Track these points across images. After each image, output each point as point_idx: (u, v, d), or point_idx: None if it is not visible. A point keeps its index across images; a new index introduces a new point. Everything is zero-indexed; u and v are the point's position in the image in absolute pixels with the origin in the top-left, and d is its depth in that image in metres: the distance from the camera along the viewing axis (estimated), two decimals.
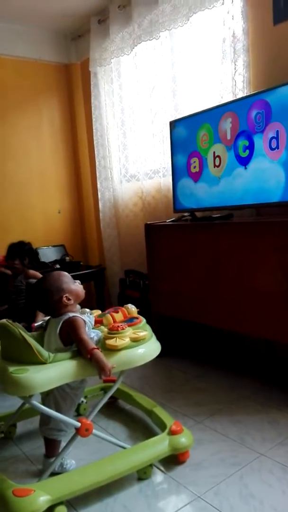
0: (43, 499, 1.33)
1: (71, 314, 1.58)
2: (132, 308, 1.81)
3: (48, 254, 3.64)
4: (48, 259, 3.54)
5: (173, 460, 1.63)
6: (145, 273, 3.00)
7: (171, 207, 2.77)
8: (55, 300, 1.59)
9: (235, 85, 2.49)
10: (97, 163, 3.56)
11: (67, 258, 3.59)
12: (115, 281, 3.52)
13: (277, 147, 2.04)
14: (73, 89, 3.83)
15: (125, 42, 3.12)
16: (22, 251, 2.72)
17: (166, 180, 2.96)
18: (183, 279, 2.50)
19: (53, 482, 1.42)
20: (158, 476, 1.57)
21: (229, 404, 2.05)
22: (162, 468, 1.61)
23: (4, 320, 1.52)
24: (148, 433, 1.84)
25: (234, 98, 2.41)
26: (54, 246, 3.74)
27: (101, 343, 1.55)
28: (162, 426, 1.73)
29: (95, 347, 1.48)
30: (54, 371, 1.41)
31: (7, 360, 1.50)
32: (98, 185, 3.58)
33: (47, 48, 3.70)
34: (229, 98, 2.48)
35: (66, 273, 1.68)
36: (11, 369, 1.39)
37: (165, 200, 3.00)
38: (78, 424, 1.47)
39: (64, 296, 1.59)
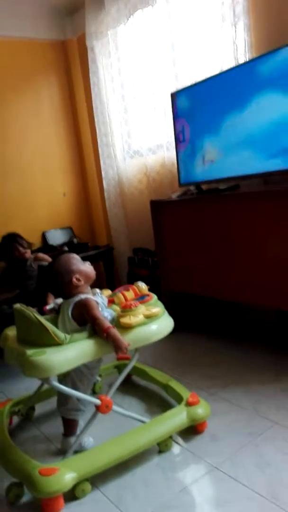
0: (69, 477, 1.35)
1: (82, 296, 1.59)
2: (142, 286, 1.82)
3: (56, 237, 3.63)
4: (56, 242, 3.54)
5: (189, 432, 1.65)
6: (153, 251, 2.98)
7: (176, 181, 2.72)
8: (66, 282, 1.60)
9: (237, 49, 2.39)
10: (99, 141, 3.50)
11: (75, 240, 3.59)
12: (123, 260, 3.51)
13: None
14: (71, 66, 3.74)
15: (121, 12, 3.02)
16: (15, 239, 2.73)
17: (170, 154, 2.90)
18: (192, 254, 2.48)
19: (78, 460, 1.45)
20: (174, 449, 1.59)
21: (243, 375, 2.05)
22: (178, 440, 1.63)
23: (18, 305, 1.53)
24: (164, 406, 1.86)
25: (236, 64, 2.33)
26: (61, 228, 3.73)
27: (115, 321, 1.56)
28: (179, 398, 1.75)
29: (111, 325, 1.49)
30: (72, 352, 1.43)
31: (23, 343, 1.51)
32: (102, 164, 3.53)
33: (42, 25, 3.59)
34: (230, 64, 2.39)
35: (75, 255, 1.69)
36: (29, 352, 1.40)
37: (169, 175, 2.94)
38: (98, 402, 1.49)
39: (74, 277, 1.60)
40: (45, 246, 3.45)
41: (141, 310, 1.59)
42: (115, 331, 1.47)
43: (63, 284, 1.61)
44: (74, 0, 3.46)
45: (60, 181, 3.80)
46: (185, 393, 1.74)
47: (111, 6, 3.07)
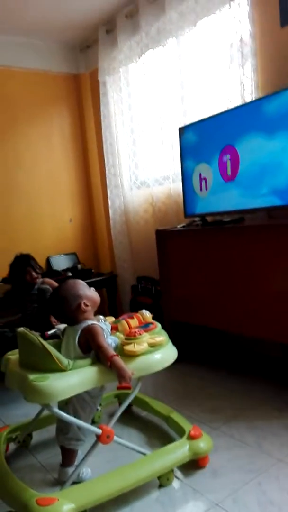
0: (67, 508, 1.32)
1: (89, 322, 1.58)
2: (146, 314, 1.82)
3: (60, 262, 3.66)
4: (60, 267, 3.56)
5: (189, 467, 1.61)
6: (157, 279, 2.99)
7: (182, 212, 2.76)
8: (74, 307, 1.60)
9: (244, 89, 2.48)
10: (107, 171, 3.58)
11: (79, 266, 3.61)
12: (126, 288, 3.52)
13: None
14: (82, 99, 3.88)
15: (133, 50, 3.15)
16: (30, 262, 2.73)
17: (176, 185, 2.96)
18: (196, 284, 2.49)
19: (77, 491, 1.41)
20: (174, 484, 1.55)
21: (246, 410, 2.02)
22: (178, 475, 1.59)
23: (22, 328, 1.53)
24: (164, 439, 1.82)
25: (243, 102, 2.41)
26: (66, 254, 3.76)
27: (119, 349, 1.56)
28: (180, 431, 1.72)
29: (115, 354, 1.48)
30: (75, 378, 1.41)
31: (25, 368, 1.50)
32: (109, 193, 3.60)
33: (56, 59, 3.75)
34: (237, 102, 2.48)
35: (80, 280, 1.69)
36: (32, 377, 1.39)
37: (175, 206, 2.99)
38: (99, 431, 1.46)
39: (82, 302, 1.60)
40: (49, 271, 3.47)
41: (146, 339, 1.58)
42: (119, 360, 1.46)
43: (70, 309, 1.60)
44: (88, 37, 3.62)
45: (67, 207, 3.86)
46: (187, 426, 1.71)
47: (123, 44, 3.20)
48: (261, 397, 2.13)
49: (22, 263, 2.73)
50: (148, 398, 2.05)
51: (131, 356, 1.51)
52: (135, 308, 3.15)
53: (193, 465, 1.61)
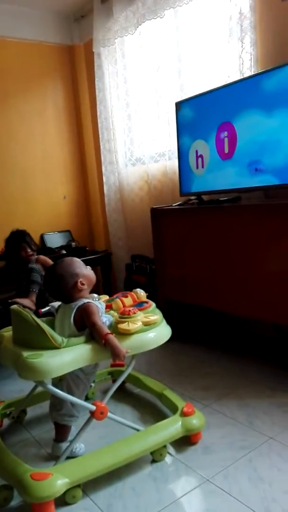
0: (61, 482, 1.34)
1: (85, 300, 1.58)
2: (141, 293, 1.81)
3: (54, 240, 3.63)
4: (54, 245, 3.53)
5: (182, 443, 1.64)
6: (151, 258, 2.98)
7: (177, 190, 2.73)
8: (70, 286, 1.59)
9: (242, 63, 2.42)
10: (101, 147, 3.51)
11: (73, 244, 3.58)
12: (121, 266, 3.51)
13: None
14: (76, 72, 3.76)
15: (129, 21, 3.04)
16: (25, 238, 2.70)
17: (171, 163, 2.92)
18: (191, 263, 2.48)
19: (70, 466, 1.43)
20: (167, 460, 1.58)
21: (238, 388, 2.05)
22: (171, 451, 1.62)
23: (15, 306, 1.52)
24: (157, 416, 1.85)
25: (241, 77, 2.35)
26: (60, 231, 3.73)
27: (113, 327, 1.55)
28: (173, 408, 1.74)
29: (109, 332, 1.48)
30: (69, 356, 1.42)
31: (19, 345, 1.50)
32: (103, 169, 3.54)
33: (50, 30, 3.62)
34: (236, 77, 2.41)
35: (77, 259, 1.68)
36: (26, 354, 1.39)
37: (170, 184, 2.95)
38: (93, 408, 1.48)
39: (79, 281, 1.60)
40: (43, 249, 3.45)
41: (140, 317, 1.58)
42: (113, 338, 1.46)
43: (66, 288, 1.59)
44: (83, 6, 3.49)
45: (61, 184, 3.80)
46: (180, 403, 1.73)
47: (119, 14, 3.09)
48: (254, 377, 2.15)
49: (17, 239, 2.70)
50: (141, 376, 2.07)
51: (125, 334, 1.51)
52: (129, 286, 3.15)
53: (185, 441, 1.64)
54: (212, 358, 2.44)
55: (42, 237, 3.60)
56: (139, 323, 1.55)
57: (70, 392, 1.56)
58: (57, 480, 1.34)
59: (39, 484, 1.31)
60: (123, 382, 2.13)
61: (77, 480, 1.38)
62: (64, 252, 3.36)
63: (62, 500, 1.37)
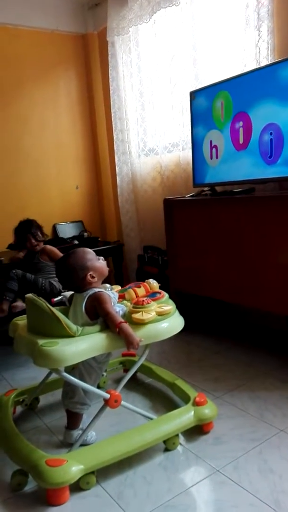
0: (76, 469, 1.36)
1: (96, 289, 1.59)
2: (153, 283, 1.82)
3: (66, 230, 3.64)
4: (66, 235, 3.55)
5: (192, 434, 1.65)
6: (163, 249, 2.98)
7: (191, 181, 2.71)
8: (80, 278, 1.60)
9: (259, 52, 2.38)
10: (114, 137, 3.50)
11: (85, 234, 3.59)
12: (133, 257, 3.51)
13: None
14: (90, 61, 3.74)
15: (144, 9, 3.00)
16: (30, 229, 2.71)
17: (185, 153, 2.90)
18: (203, 255, 2.47)
19: (85, 452, 1.45)
20: (177, 450, 1.59)
21: (249, 380, 2.05)
22: (182, 441, 1.63)
23: (30, 295, 1.54)
24: (168, 405, 1.87)
25: (258, 66, 2.31)
26: (72, 222, 3.74)
27: (126, 317, 1.57)
28: (185, 398, 1.75)
29: (123, 320, 1.49)
30: (83, 344, 1.43)
31: (33, 333, 1.52)
32: (116, 160, 3.53)
33: (64, 18, 3.60)
34: (252, 66, 2.37)
35: (90, 250, 1.68)
36: (41, 342, 1.41)
37: (184, 175, 2.94)
38: (107, 396, 1.49)
39: (89, 274, 1.60)
40: (56, 239, 3.46)
41: (154, 307, 1.59)
42: (127, 326, 1.47)
43: (77, 280, 1.60)
44: None
45: (74, 174, 3.81)
46: (193, 393, 1.74)
47: (134, 3, 3.06)
48: (265, 369, 2.15)
49: (23, 229, 2.73)
50: (153, 365, 2.08)
51: (139, 324, 1.53)
52: (141, 277, 3.15)
53: (196, 431, 1.65)
54: (223, 349, 2.44)
55: (54, 227, 3.62)
56: (153, 313, 1.56)
57: (82, 380, 1.57)
58: (72, 466, 1.36)
59: (54, 470, 1.34)
60: (135, 372, 2.15)
61: (91, 467, 1.40)
62: (76, 242, 3.37)
63: (74, 485, 1.39)
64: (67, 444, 1.63)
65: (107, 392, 1.51)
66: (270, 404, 1.82)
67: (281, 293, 2.05)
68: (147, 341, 1.53)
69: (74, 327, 1.46)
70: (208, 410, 1.65)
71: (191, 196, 2.60)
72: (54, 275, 2.72)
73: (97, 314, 1.56)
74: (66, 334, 1.44)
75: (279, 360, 2.22)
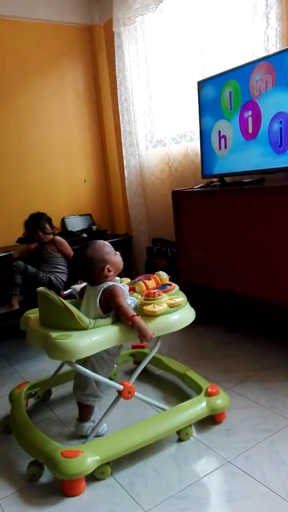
0: (92, 460, 1.37)
1: (110, 283, 1.60)
2: (163, 275, 1.82)
3: (75, 223, 3.65)
4: (75, 228, 3.55)
5: (203, 425, 1.65)
6: (172, 241, 2.97)
7: (199, 173, 2.69)
8: (97, 270, 1.60)
9: (268, 40, 2.33)
10: (122, 129, 3.48)
11: (94, 227, 3.59)
12: (142, 249, 3.50)
13: None
14: (96, 52, 3.71)
15: None
16: (38, 221, 2.73)
17: (193, 144, 2.87)
18: (213, 247, 2.46)
19: (100, 443, 1.46)
20: (187, 441, 1.59)
21: (259, 372, 2.04)
22: (193, 432, 1.63)
23: (42, 288, 1.55)
24: (179, 396, 1.87)
25: (267, 54, 2.27)
26: (80, 215, 3.74)
27: (138, 309, 1.57)
28: (197, 388, 1.76)
29: (135, 313, 1.50)
30: (96, 337, 1.44)
31: (45, 326, 1.53)
32: (124, 152, 3.51)
33: (69, 10, 3.57)
34: (261, 54, 2.33)
35: (108, 243, 1.68)
36: (54, 335, 1.42)
37: (192, 166, 2.91)
38: (121, 387, 1.50)
39: (107, 267, 1.61)
40: (64, 232, 3.47)
41: (165, 299, 1.59)
42: (140, 319, 1.48)
43: (94, 271, 1.61)
44: None
45: (81, 167, 3.80)
46: (204, 383, 1.75)
47: None
48: (275, 360, 2.14)
49: (31, 222, 2.76)
50: (163, 357, 2.09)
51: (151, 316, 1.53)
52: (150, 270, 3.14)
53: (207, 422, 1.65)
54: (234, 341, 2.43)
55: (63, 221, 3.63)
56: (165, 305, 1.56)
57: (94, 370, 1.59)
58: (87, 457, 1.37)
59: (69, 462, 1.35)
60: (139, 362, 2.16)
61: (106, 458, 1.41)
62: (85, 235, 3.37)
63: (88, 476, 1.40)
64: (80, 436, 1.64)
65: (120, 383, 1.52)
66: (281, 395, 1.81)
67: None
68: (159, 333, 1.54)
69: (86, 320, 1.47)
70: (221, 400, 1.66)
71: (200, 187, 2.58)
72: (58, 268, 2.74)
73: (110, 307, 1.56)
74: (78, 327, 1.45)
75: None
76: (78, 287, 1.77)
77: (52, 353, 1.41)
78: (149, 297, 1.59)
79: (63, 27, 3.58)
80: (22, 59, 3.40)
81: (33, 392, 1.92)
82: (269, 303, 2.67)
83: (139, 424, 1.54)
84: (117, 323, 1.51)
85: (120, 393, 1.50)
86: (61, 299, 1.47)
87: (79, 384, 1.65)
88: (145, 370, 2.14)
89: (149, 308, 1.53)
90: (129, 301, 1.59)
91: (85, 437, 1.60)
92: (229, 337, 2.49)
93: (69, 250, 2.78)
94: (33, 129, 3.50)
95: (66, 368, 1.83)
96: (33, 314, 1.67)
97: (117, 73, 3.39)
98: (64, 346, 1.38)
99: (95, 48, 3.71)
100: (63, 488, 1.37)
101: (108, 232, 3.60)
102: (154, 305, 1.55)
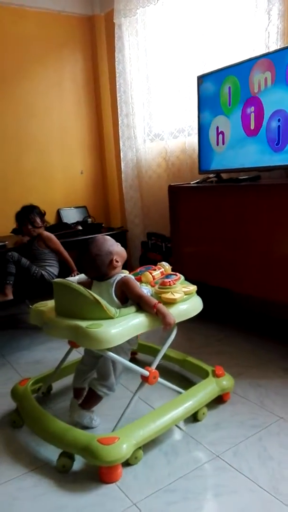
0: (128, 445, 1.40)
1: (121, 275, 1.64)
2: (167, 266, 1.87)
3: (70, 215, 3.63)
4: (70, 220, 3.54)
5: (192, 420, 1.67)
6: (167, 236, 2.97)
7: (196, 168, 2.69)
8: (106, 264, 1.62)
9: (269, 37, 2.33)
10: (120, 121, 3.46)
11: (89, 220, 3.58)
12: (136, 243, 3.50)
13: None
14: (96, 43, 3.68)
15: None
16: (27, 214, 2.71)
17: (191, 139, 2.86)
18: (207, 242, 2.46)
19: (132, 429, 1.47)
20: (177, 435, 1.60)
21: (250, 368, 2.06)
22: (182, 426, 1.64)
23: (61, 279, 1.55)
24: (181, 381, 1.92)
25: (267, 51, 2.26)
26: (76, 207, 3.73)
27: (155, 297, 1.61)
28: (201, 371, 1.86)
29: (157, 301, 1.55)
30: (125, 325, 1.47)
31: (63, 317, 1.53)
32: (121, 145, 3.50)
33: None
34: (261, 51, 2.33)
35: (108, 237, 1.71)
36: (85, 324, 1.43)
37: (189, 161, 2.91)
38: (147, 373, 1.54)
39: (114, 258, 1.63)
40: (59, 224, 3.46)
41: (179, 288, 1.65)
42: (163, 307, 1.54)
43: (103, 266, 1.62)
44: None
45: (78, 158, 3.78)
46: (208, 367, 1.85)
47: None
48: (267, 357, 2.16)
49: (22, 214, 2.74)
50: (159, 347, 2.08)
51: (170, 303, 1.59)
52: (144, 264, 3.14)
53: (196, 418, 1.66)
54: (225, 337, 2.45)
55: (58, 212, 3.61)
56: (181, 293, 1.62)
57: (113, 363, 1.61)
58: (123, 443, 1.39)
59: (108, 449, 1.37)
60: (136, 353, 2.20)
61: (140, 442, 1.44)
62: (80, 228, 3.37)
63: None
64: (76, 423, 1.61)
65: (145, 369, 1.56)
66: (271, 392, 1.83)
67: (286, 282, 2.05)
68: (178, 320, 1.60)
69: (112, 309, 1.50)
70: (226, 381, 1.77)
71: (197, 182, 2.58)
72: (47, 262, 2.73)
73: (127, 298, 1.60)
74: (106, 317, 1.47)
75: (283, 349, 2.22)
76: (73, 279, 1.77)
77: (86, 342, 1.43)
78: (165, 285, 1.64)
79: (64, 16, 3.54)
80: (22, 47, 3.36)
81: (37, 388, 1.89)
82: (263, 301, 2.68)
83: (162, 407, 1.58)
84: (140, 311, 1.56)
85: (146, 379, 1.55)
86: (87, 290, 1.48)
87: (101, 373, 1.64)
88: (138, 360, 2.16)
89: (168, 295, 1.60)
90: (145, 290, 1.63)
91: (86, 427, 1.62)
92: (221, 333, 2.51)
93: (57, 245, 2.75)
94: (31, 119, 3.47)
95: (68, 361, 1.88)
96: (44, 307, 1.65)
97: (117, 64, 3.37)
98: (97, 335, 1.40)
99: (95, 39, 3.68)
100: (101, 474, 1.38)
101: (103, 225, 3.60)
102: (171, 292, 1.60)
